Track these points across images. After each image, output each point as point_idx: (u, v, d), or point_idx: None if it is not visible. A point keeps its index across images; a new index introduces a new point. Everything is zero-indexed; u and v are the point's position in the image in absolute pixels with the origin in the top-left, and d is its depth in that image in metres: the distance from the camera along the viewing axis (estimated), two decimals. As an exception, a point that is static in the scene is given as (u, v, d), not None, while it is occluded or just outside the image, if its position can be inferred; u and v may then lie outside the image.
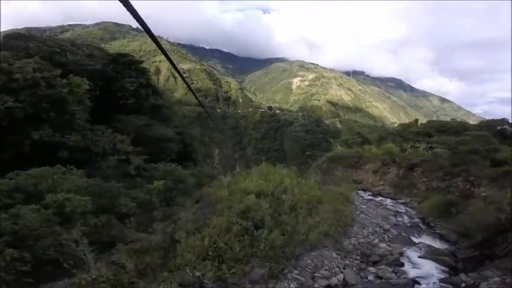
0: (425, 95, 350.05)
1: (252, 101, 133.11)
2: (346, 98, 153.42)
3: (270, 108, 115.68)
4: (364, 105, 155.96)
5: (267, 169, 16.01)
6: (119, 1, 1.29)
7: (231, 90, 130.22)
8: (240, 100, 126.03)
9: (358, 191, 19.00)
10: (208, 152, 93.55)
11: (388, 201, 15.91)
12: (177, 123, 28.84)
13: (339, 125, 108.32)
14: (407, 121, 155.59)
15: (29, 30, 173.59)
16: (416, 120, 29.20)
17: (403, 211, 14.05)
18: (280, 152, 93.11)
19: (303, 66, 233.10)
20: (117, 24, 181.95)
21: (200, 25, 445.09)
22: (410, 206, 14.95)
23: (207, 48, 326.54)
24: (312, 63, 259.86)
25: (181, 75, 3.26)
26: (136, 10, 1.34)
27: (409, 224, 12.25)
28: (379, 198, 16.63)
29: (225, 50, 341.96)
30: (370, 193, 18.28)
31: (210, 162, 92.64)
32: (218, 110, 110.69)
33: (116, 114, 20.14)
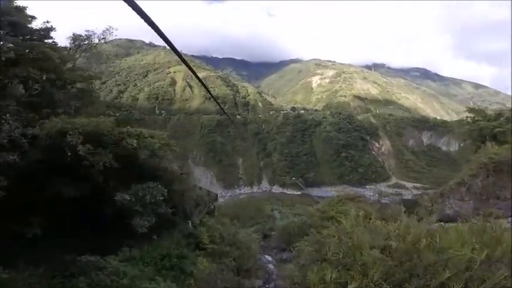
0: (455, 82, 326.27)
1: (272, 104, 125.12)
2: (373, 91, 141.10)
3: (293, 109, 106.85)
4: (394, 98, 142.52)
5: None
6: (141, 18, 1.41)
7: (249, 95, 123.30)
8: (260, 104, 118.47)
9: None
10: (231, 162, 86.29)
11: None
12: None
13: (373, 120, 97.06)
14: (442, 111, 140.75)
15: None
16: None
17: None
18: (310, 156, 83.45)
19: (320, 64, 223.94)
20: (130, 40, 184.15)
21: (209, 35, 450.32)
22: None
23: (220, 57, 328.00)
24: (329, 61, 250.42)
25: (200, 81, 3.42)
26: (157, 25, 1.55)
27: None
28: None
29: (237, 57, 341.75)
30: None
31: (234, 172, 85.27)
32: (238, 116, 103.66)
33: None
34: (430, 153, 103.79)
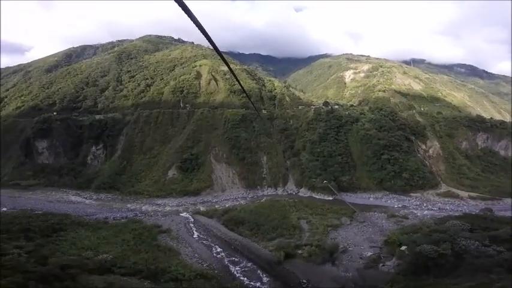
0: (507, 80, 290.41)
1: (301, 98, 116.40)
2: (416, 86, 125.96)
3: (326, 103, 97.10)
4: (440, 94, 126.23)
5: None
6: (185, 14, 1.54)
7: (275, 89, 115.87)
8: (287, 98, 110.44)
9: None
10: (255, 160, 79.74)
11: None
12: None
13: (419, 118, 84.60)
14: (493, 110, 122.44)
15: (83, 48, 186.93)
16: None
17: None
18: (345, 157, 73.73)
19: (352, 59, 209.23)
20: (159, 36, 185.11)
21: (235, 31, 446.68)
22: None
23: (247, 53, 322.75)
24: (362, 55, 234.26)
25: (232, 71, 3.75)
26: (197, 18, 1.73)
27: None
28: None
29: (263, 53, 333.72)
30: None
31: (257, 171, 78.75)
32: (264, 110, 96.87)
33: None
34: (486, 157, 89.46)
